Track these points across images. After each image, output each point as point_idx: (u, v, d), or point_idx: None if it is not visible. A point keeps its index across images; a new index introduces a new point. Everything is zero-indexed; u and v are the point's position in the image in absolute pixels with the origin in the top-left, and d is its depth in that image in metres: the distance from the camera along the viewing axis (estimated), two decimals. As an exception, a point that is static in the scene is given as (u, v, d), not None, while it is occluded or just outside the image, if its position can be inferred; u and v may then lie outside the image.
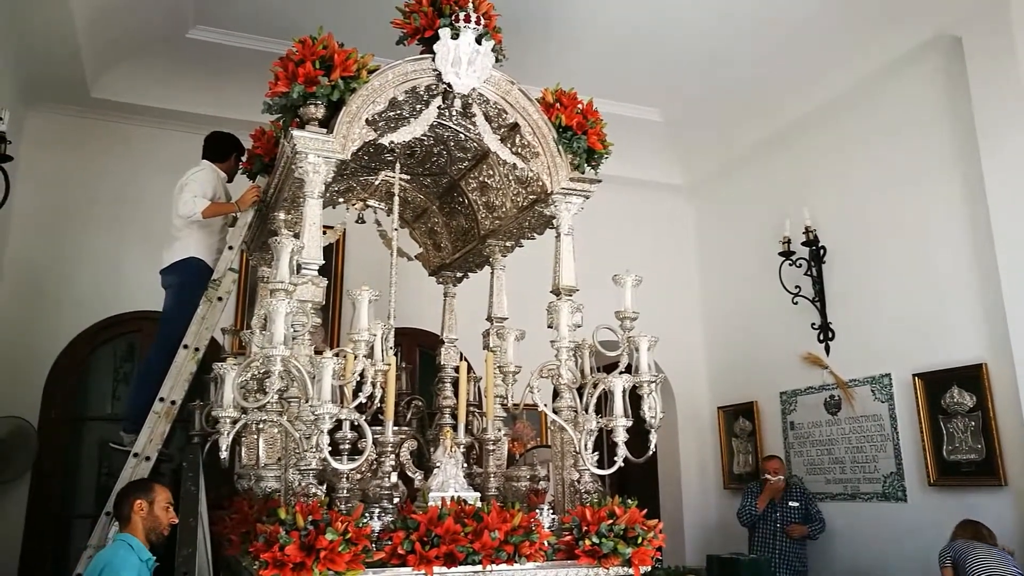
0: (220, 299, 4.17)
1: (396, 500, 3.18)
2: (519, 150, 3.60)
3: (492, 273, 4.34)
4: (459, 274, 4.80)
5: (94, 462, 5.51)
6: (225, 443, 2.80)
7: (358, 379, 3.11)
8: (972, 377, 4.96)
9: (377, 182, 4.41)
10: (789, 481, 5.97)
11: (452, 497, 2.94)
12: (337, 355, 2.92)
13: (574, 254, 3.61)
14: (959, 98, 5.15)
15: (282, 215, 3.92)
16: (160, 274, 4.51)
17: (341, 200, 4.56)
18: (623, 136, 4.73)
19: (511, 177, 3.91)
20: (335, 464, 2.83)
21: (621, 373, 3.28)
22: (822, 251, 6.12)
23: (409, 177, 4.36)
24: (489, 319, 4.23)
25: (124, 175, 5.83)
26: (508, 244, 4.32)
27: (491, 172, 4.04)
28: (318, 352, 3.06)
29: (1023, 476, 4.60)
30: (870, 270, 5.76)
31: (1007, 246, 4.74)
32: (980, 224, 4.96)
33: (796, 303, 6.21)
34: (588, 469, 3.28)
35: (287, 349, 2.79)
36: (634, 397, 3.22)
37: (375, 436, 2.99)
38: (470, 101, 3.46)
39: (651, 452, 3.25)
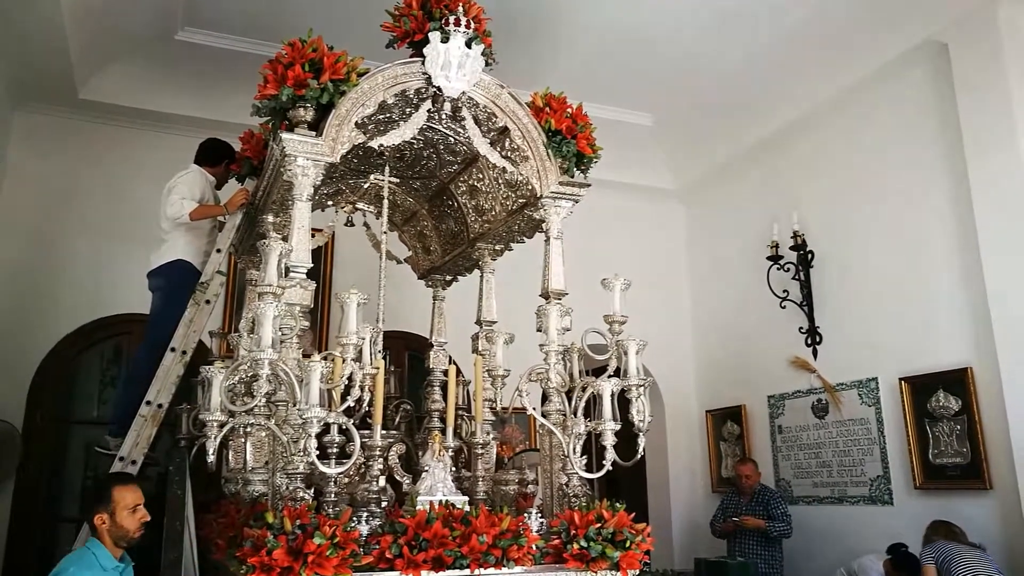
0: (208, 302, 4.15)
1: (384, 504, 3.17)
2: (508, 154, 3.61)
3: (481, 277, 4.34)
4: (448, 277, 4.79)
5: (80, 466, 5.47)
6: (212, 447, 2.79)
7: (346, 383, 3.11)
8: (958, 381, 4.99)
9: (366, 185, 4.40)
10: (756, 487, 5.88)
11: (440, 501, 2.94)
12: (325, 358, 2.91)
13: (563, 258, 3.62)
14: (946, 104, 5.19)
15: (271, 218, 3.90)
16: (147, 277, 4.49)
17: (330, 203, 4.55)
18: (614, 140, 4.76)
19: (500, 181, 3.92)
20: (323, 468, 2.83)
21: (610, 377, 3.28)
22: (810, 256, 6.16)
23: (398, 180, 4.36)
24: (478, 323, 4.23)
25: (112, 177, 5.80)
26: (497, 248, 4.32)
27: (481, 176, 4.05)
28: (306, 355, 3.05)
29: (1008, 479, 4.63)
30: (857, 275, 5.80)
31: (992, 250, 4.79)
32: (966, 229, 5.00)
33: (784, 307, 6.25)
34: (576, 473, 3.28)
35: (275, 352, 2.78)
36: (622, 401, 3.23)
37: (363, 440, 2.99)
38: (460, 105, 3.46)
39: (639, 456, 3.26)
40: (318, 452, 2.77)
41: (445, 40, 3.33)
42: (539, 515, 3.14)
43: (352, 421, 2.99)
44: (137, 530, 3.00)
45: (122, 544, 3.00)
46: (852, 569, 5.08)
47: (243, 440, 3.48)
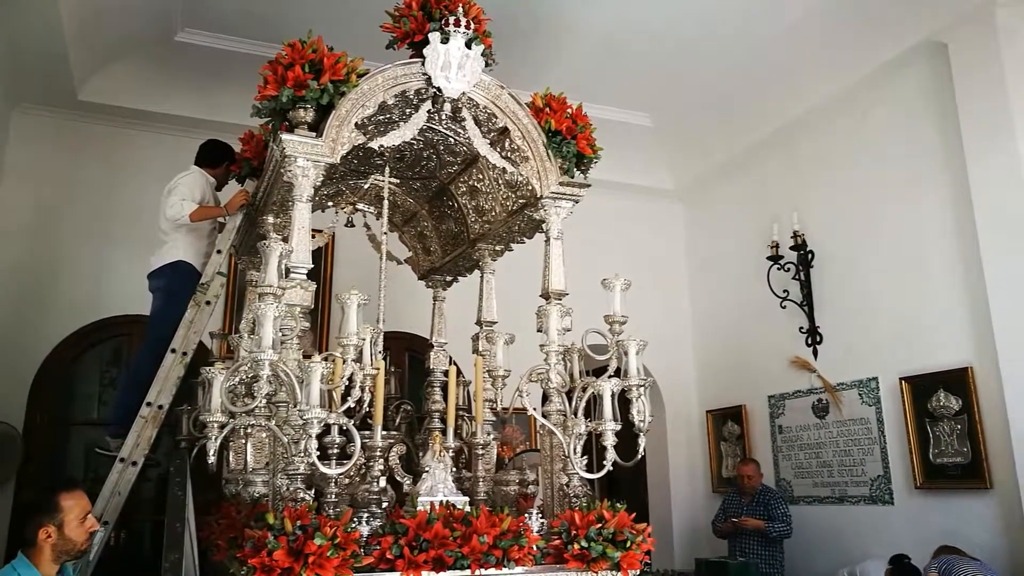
0: (208, 303, 4.16)
1: (385, 505, 3.17)
2: (509, 154, 3.61)
3: (482, 277, 4.34)
4: (449, 278, 4.79)
5: (80, 467, 5.47)
6: (213, 448, 2.79)
7: (347, 383, 3.11)
8: (958, 380, 4.99)
9: (367, 186, 4.41)
10: (758, 488, 5.87)
11: (441, 501, 2.94)
12: (326, 359, 2.91)
13: (564, 258, 3.62)
14: (945, 104, 5.19)
15: (271, 219, 3.91)
16: (148, 278, 4.49)
17: (330, 204, 4.55)
18: (613, 141, 4.76)
19: (501, 181, 3.92)
20: (323, 469, 2.83)
21: (610, 377, 3.28)
22: (810, 255, 6.16)
23: (399, 181, 4.36)
24: (479, 323, 4.23)
25: (111, 178, 5.80)
26: (498, 248, 4.32)
27: (481, 176, 4.05)
28: (307, 356, 3.05)
29: (1008, 479, 4.63)
30: (858, 274, 5.80)
31: (993, 250, 4.79)
32: (966, 228, 5.00)
33: (784, 307, 6.25)
34: (577, 473, 3.28)
35: (275, 353, 2.78)
36: (623, 401, 3.23)
37: (364, 440, 2.98)
38: (460, 105, 3.46)
39: (640, 456, 3.26)
40: (319, 453, 2.76)
41: (445, 41, 3.33)
42: (540, 515, 3.13)
43: (352, 422, 2.99)
44: (85, 542, 2.72)
45: (65, 558, 2.70)
46: (855, 573, 5.08)
47: (244, 441, 3.48)
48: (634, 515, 3.14)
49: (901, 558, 4.74)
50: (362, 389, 3.19)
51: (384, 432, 3.35)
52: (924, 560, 4.49)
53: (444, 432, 3.37)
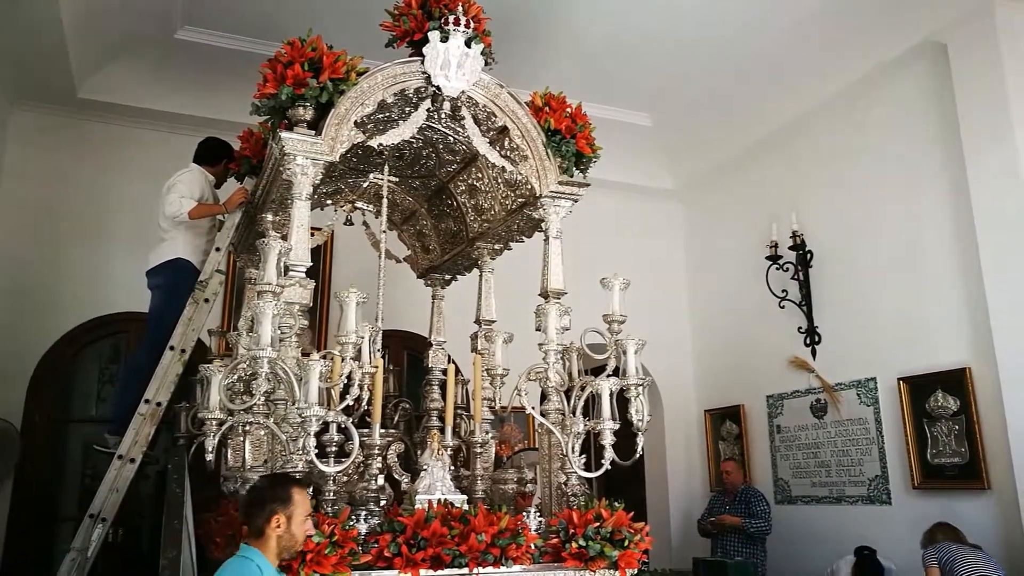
0: (207, 300, 4.16)
1: (383, 503, 3.18)
2: (508, 153, 3.61)
3: (480, 276, 4.34)
4: (447, 276, 4.80)
5: (78, 464, 5.47)
6: (211, 445, 2.80)
7: (345, 381, 3.11)
8: (956, 381, 5.00)
9: (366, 184, 4.41)
10: (740, 486, 5.93)
11: (439, 500, 2.94)
12: (324, 357, 2.91)
13: (563, 257, 3.62)
14: (945, 104, 5.20)
15: (270, 217, 3.91)
16: (146, 275, 4.49)
17: (329, 202, 4.55)
18: (613, 140, 4.76)
19: (500, 180, 3.92)
20: (322, 466, 2.83)
21: (609, 376, 3.29)
22: (809, 255, 6.16)
23: (398, 179, 4.36)
24: (477, 322, 4.23)
25: (111, 176, 5.79)
26: (497, 247, 4.33)
27: (480, 175, 4.05)
28: (305, 354, 3.05)
29: (1006, 479, 4.63)
30: (856, 274, 5.80)
31: (991, 251, 4.79)
32: (965, 228, 5.01)
33: (783, 307, 6.25)
34: (575, 472, 3.28)
35: (274, 351, 2.79)
36: (621, 400, 3.23)
37: (362, 439, 2.99)
38: (459, 104, 3.46)
39: (638, 455, 3.26)
40: (317, 451, 2.77)
41: (444, 39, 3.34)
42: (538, 514, 3.14)
43: (351, 420, 2.99)
44: (302, 544, 2.56)
45: (284, 555, 2.54)
46: (833, 568, 5.11)
47: (242, 438, 3.48)
48: (632, 514, 3.15)
49: (863, 550, 4.76)
50: (360, 387, 3.20)
51: (382, 430, 3.35)
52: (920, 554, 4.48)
53: (442, 430, 3.37)
